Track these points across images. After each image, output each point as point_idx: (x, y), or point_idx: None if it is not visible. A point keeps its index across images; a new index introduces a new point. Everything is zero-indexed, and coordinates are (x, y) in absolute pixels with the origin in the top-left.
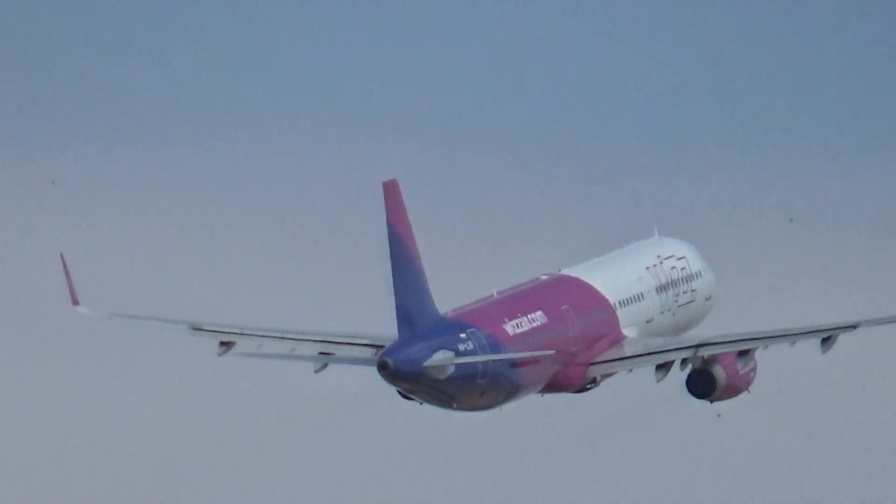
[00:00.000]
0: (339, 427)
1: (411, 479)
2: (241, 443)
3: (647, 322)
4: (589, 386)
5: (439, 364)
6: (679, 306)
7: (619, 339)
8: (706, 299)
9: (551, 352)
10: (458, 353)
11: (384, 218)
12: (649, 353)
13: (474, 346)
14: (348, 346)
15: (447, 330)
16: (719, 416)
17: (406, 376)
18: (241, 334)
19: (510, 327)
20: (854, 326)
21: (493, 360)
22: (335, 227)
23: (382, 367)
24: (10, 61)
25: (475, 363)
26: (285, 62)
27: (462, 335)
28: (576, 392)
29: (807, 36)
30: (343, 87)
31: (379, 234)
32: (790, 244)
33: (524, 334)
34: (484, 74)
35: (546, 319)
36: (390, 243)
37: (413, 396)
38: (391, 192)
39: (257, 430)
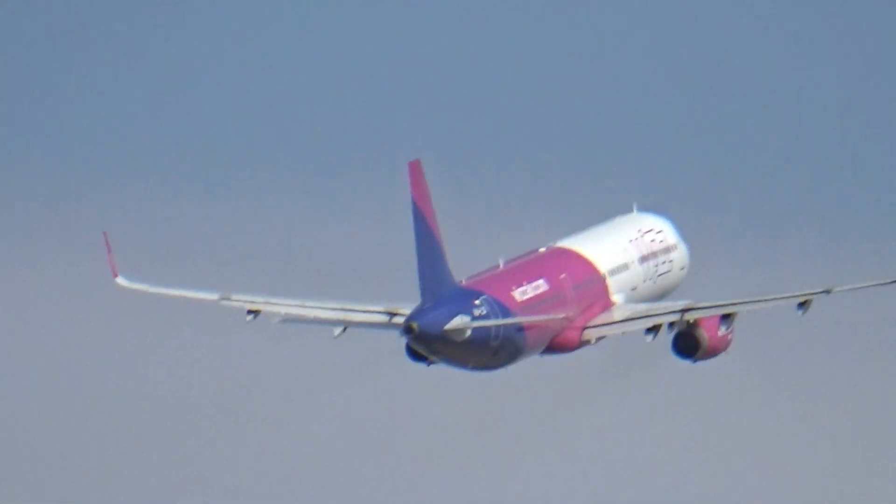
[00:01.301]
0: (360, 385)
1: (424, 430)
2: (276, 398)
3: (632, 290)
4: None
5: (458, 327)
6: (659, 275)
7: (609, 305)
8: (681, 269)
9: (561, 315)
10: (474, 318)
11: (409, 195)
12: (640, 318)
13: (488, 311)
14: (365, 314)
15: (463, 297)
16: None
17: (428, 338)
18: (267, 303)
19: (517, 294)
20: (828, 291)
21: (505, 324)
22: (362, 203)
23: (408, 330)
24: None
25: (489, 327)
26: (308, 47)
27: (476, 301)
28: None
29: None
30: (373, 71)
31: (400, 210)
32: (756, 222)
33: (529, 300)
34: (479, 63)
35: (547, 287)
36: (414, 218)
37: (431, 356)
38: (416, 171)
39: (287, 385)
